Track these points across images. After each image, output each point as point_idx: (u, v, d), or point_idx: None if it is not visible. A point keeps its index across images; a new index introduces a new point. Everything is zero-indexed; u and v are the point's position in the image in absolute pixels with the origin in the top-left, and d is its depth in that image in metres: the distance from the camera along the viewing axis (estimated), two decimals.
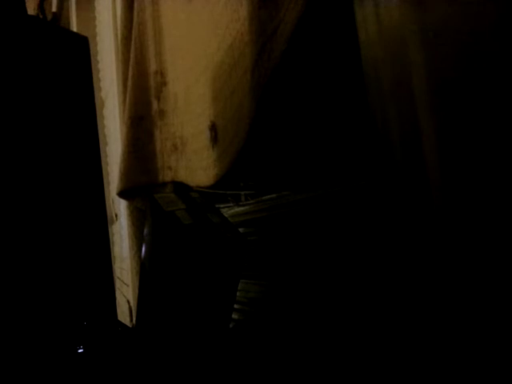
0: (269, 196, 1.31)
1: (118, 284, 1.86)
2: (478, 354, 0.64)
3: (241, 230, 1.36)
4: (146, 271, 1.31)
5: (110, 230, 1.54)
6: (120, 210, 1.93)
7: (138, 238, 1.69)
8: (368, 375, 0.92)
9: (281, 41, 0.92)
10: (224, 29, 1.16)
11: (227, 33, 1.15)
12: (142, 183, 1.61)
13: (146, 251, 1.30)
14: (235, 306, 1.33)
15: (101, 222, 1.31)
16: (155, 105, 1.61)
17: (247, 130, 1.08)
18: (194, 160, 1.43)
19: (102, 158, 1.37)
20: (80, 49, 1.34)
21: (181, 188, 1.52)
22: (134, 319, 1.64)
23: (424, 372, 0.73)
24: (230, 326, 1.33)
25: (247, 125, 1.07)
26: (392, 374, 0.85)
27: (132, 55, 1.64)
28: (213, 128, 1.28)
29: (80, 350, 1.15)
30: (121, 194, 1.67)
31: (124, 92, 1.73)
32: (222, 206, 1.48)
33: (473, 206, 0.65)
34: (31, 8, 2.52)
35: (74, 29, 2.36)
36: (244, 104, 1.08)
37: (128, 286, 1.82)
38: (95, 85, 1.41)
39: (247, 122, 1.07)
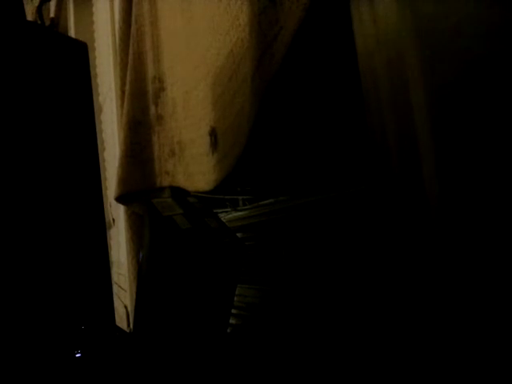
0: (266, 201, 1.31)
1: (115, 289, 1.85)
2: (475, 355, 0.65)
3: (238, 234, 1.36)
4: (143, 276, 1.31)
5: (107, 234, 1.54)
6: (118, 214, 1.93)
7: (135, 242, 1.69)
8: (366, 378, 0.93)
9: (281, 47, 0.93)
10: (224, 35, 1.17)
11: (227, 39, 1.15)
12: (140, 188, 1.61)
13: (143, 256, 1.30)
14: (233, 310, 1.33)
15: (99, 226, 1.31)
16: (153, 110, 1.61)
17: (247, 136, 1.08)
18: (192, 165, 1.43)
19: (100, 163, 1.37)
20: (79, 55, 1.34)
21: (178, 193, 1.52)
22: (132, 324, 1.64)
23: (424, 372, 0.74)
24: (228, 330, 1.33)
25: (247, 130, 1.07)
26: (390, 379, 0.85)
27: (130, 60, 1.64)
28: (213, 133, 1.28)
29: (78, 355, 1.14)
30: (118, 199, 1.67)
31: (122, 97, 1.73)
32: (219, 210, 1.49)
33: (469, 213, 0.66)
34: (29, 13, 2.52)
35: (72, 34, 2.36)
36: (244, 109, 1.08)
37: (125, 291, 1.82)
38: (93, 90, 1.41)
39: (247, 127, 1.07)
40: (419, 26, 0.71)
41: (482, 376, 0.64)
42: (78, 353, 1.14)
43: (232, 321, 1.36)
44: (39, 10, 2.54)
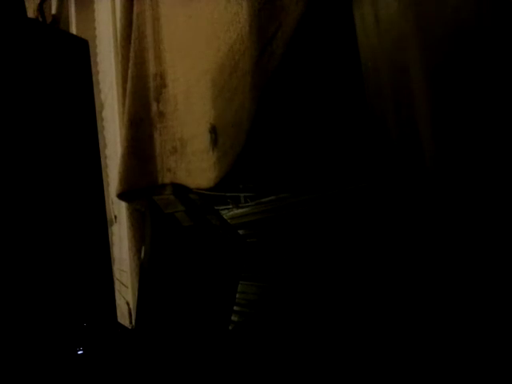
0: (268, 198, 1.31)
1: (117, 286, 1.86)
2: (474, 353, 0.65)
3: (240, 231, 1.36)
4: (145, 273, 1.31)
5: (109, 231, 1.54)
6: (119, 211, 1.93)
7: (137, 239, 1.69)
8: (367, 376, 0.93)
9: (281, 43, 0.93)
10: (224, 31, 1.17)
11: (227, 35, 1.15)
12: (142, 185, 1.61)
13: (145, 253, 1.30)
14: (235, 307, 1.33)
15: (100, 223, 1.31)
16: (155, 107, 1.61)
17: (247, 132, 1.08)
18: (193, 162, 1.43)
19: (102, 160, 1.37)
20: (80, 52, 1.34)
21: (180, 190, 1.52)
22: (134, 321, 1.64)
23: (424, 372, 0.74)
24: (230, 327, 1.33)
25: (247, 127, 1.08)
26: (391, 375, 0.85)
27: (131, 57, 1.64)
28: (213, 130, 1.28)
29: (80, 352, 1.15)
30: (120, 196, 1.67)
31: (123, 94, 1.73)
32: (221, 207, 1.48)
33: (472, 205, 0.65)
34: (31, 10, 2.51)
35: (74, 31, 2.36)
36: (244, 106, 1.08)
37: (127, 287, 1.82)
38: (94, 87, 1.41)
39: (247, 124, 1.07)
40: (419, 14, 0.71)
41: (482, 375, 0.64)
42: (80, 350, 1.15)
43: (234, 318, 1.36)
44: (40, 8, 2.53)
